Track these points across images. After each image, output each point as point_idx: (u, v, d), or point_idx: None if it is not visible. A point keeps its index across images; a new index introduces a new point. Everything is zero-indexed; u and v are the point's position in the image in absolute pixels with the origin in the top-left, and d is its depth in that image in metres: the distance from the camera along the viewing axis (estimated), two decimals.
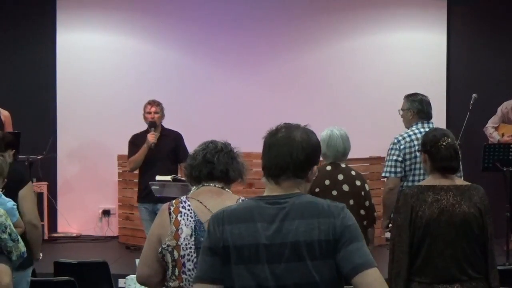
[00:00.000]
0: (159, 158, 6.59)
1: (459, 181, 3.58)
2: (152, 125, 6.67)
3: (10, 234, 3.66)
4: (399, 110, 5.29)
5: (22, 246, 3.74)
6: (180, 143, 6.75)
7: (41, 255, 4.64)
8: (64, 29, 9.35)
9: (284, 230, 2.25)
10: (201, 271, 2.32)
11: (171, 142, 6.72)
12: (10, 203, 4.04)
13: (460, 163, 3.69)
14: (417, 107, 5.16)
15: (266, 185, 2.37)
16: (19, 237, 3.77)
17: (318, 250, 2.21)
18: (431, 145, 3.53)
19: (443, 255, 3.40)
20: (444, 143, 3.50)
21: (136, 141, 6.76)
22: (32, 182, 8.22)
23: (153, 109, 6.73)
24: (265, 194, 2.36)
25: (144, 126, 6.84)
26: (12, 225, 3.74)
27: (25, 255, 3.84)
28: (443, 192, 3.45)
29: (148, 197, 6.27)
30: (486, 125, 8.06)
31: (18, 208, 4.17)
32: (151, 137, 6.58)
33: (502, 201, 7.11)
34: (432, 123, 5.15)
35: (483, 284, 3.43)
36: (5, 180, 4.07)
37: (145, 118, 6.77)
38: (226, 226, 2.29)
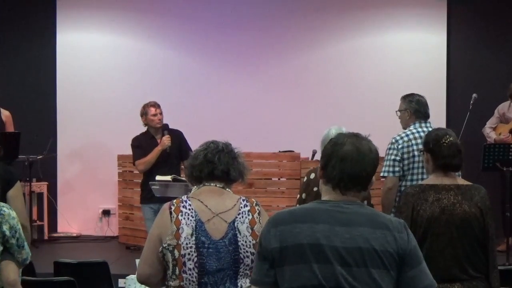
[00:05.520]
0: (163, 158, 6.59)
1: (461, 180, 3.58)
2: (166, 127, 6.69)
3: (17, 239, 3.60)
4: (396, 111, 5.30)
5: (25, 253, 3.67)
6: (182, 141, 6.75)
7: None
8: (64, 29, 9.35)
9: (348, 235, 2.28)
10: (255, 274, 2.40)
11: (174, 141, 6.72)
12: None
13: None
14: (414, 107, 5.16)
15: (326, 191, 2.40)
16: (25, 243, 3.69)
17: (384, 259, 2.27)
18: (433, 143, 3.54)
19: (443, 254, 3.40)
20: (446, 141, 3.51)
21: (140, 144, 6.74)
22: (31, 182, 8.36)
23: (158, 110, 6.73)
24: (325, 198, 2.39)
25: (144, 127, 6.84)
26: (21, 229, 3.66)
27: (27, 261, 3.76)
28: (444, 191, 3.46)
29: (155, 198, 6.23)
30: (484, 126, 8.07)
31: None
32: (167, 140, 6.59)
33: (502, 201, 7.12)
34: (429, 122, 5.16)
35: (484, 284, 3.43)
36: None
37: (150, 120, 6.72)
38: (283, 227, 2.32)
